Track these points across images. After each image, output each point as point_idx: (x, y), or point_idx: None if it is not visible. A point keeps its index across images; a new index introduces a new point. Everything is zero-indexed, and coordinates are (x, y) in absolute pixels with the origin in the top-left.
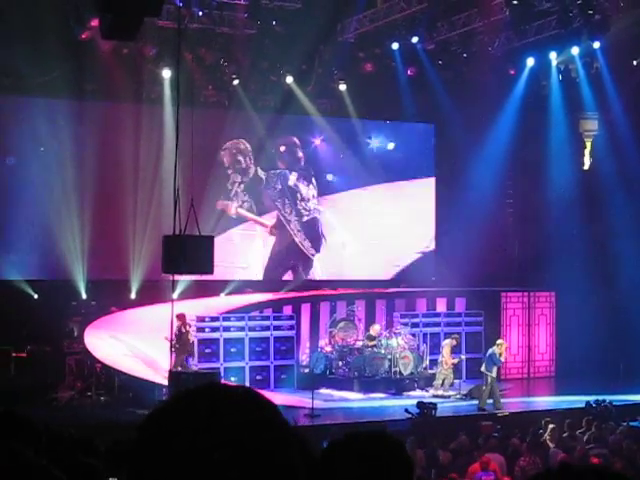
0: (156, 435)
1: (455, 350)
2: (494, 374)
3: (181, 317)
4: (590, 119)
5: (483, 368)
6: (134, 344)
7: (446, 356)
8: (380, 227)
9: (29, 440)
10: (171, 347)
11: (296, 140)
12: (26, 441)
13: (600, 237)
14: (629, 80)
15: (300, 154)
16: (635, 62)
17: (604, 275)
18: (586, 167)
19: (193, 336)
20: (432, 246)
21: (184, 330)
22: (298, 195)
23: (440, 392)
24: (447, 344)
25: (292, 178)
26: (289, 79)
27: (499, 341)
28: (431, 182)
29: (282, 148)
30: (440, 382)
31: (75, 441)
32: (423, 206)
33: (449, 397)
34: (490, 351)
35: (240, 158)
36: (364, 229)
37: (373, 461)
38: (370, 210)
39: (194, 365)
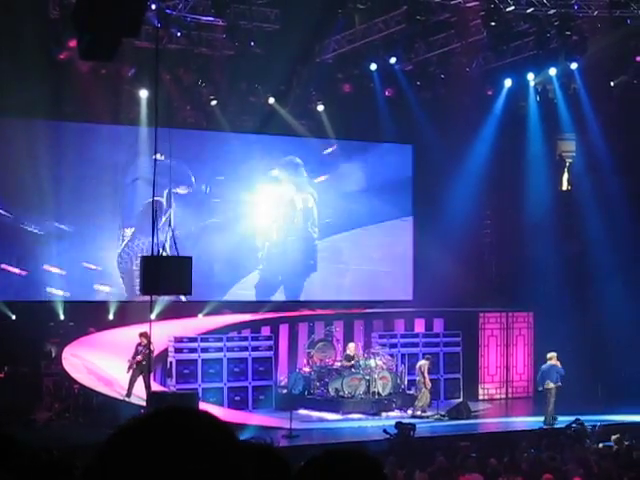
0: (112, 462)
1: (430, 371)
2: (558, 384)
3: (145, 335)
4: (568, 140)
5: (550, 384)
6: (112, 365)
7: (426, 377)
8: (358, 248)
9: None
10: (137, 367)
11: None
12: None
13: (578, 257)
14: (606, 101)
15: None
16: (612, 83)
17: (582, 295)
18: (564, 188)
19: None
20: (410, 267)
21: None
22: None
23: (419, 412)
24: (425, 365)
25: None
26: (271, 100)
27: (551, 354)
28: (408, 202)
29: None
30: (422, 403)
31: (54, 463)
32: (401, 227)
33: (428, 417)
34: (547, 366)
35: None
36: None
37: (350, 479)
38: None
39: (172, 386)
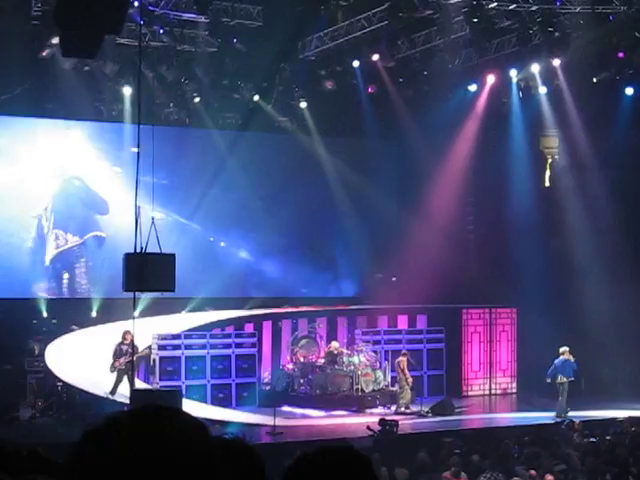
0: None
1: (409, 367)
2: (571, 378)
3: (129, 333)
4: (550, 136)
5: (562, 378)
6: (95, 362)
7: (406, 373)
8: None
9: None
10: (125, 368)
11: None
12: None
13: (561, 253)
14: (589, 97)
15: None
16: (595, 79)
17: (565, 291)
18: (547, 184)
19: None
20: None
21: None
22: None
23: (402, 409)
24: (402, 361)
25: None
26: (256, 97)
27: (564, 348)
28: (392, 199)
29: None
30: (405, 400)
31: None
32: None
33: (411, 414)
34: (560, 360)
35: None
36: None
37: (342, 475)
38: None
39: (155, 383)
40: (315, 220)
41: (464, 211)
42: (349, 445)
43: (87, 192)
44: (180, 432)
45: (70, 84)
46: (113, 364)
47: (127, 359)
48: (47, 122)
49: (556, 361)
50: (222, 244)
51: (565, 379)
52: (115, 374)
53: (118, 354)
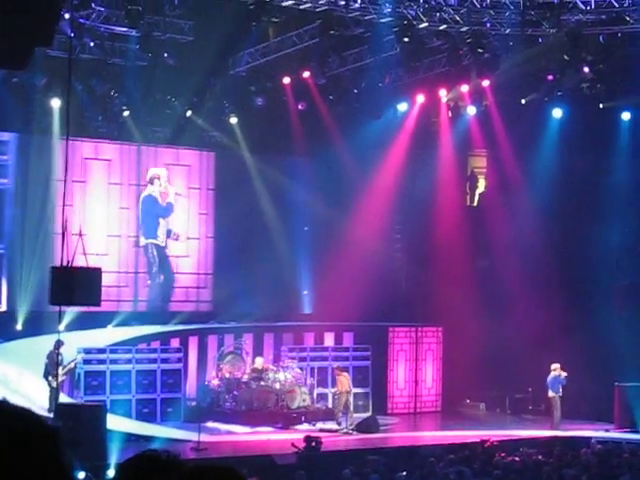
0: None
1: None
2: (560, 393)
3: (60, 346)
4: (479, 156)
5: (551, 394)
6: (21, 375)
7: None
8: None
9: None
10: (55, 376)
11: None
12: None
13: (487, 272)
14: (518, 118)
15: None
16: (524, 100)
17: (491, 310)
18: (474, 203)
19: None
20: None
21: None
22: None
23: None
24: (347, 377)
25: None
26: (189, 112)
27: (555, 365)
28: (319, 216)
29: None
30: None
31: None
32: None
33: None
34: (551, 377)
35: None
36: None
37: None
38: None
39: (80, 398)
40: (243, 235)
41: (392, 230)
42: (228, 465)
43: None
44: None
45: None
46: (53, 373)
47: (65, 370)
48: None
49: (548, 378)
50: (169, 254)
51: (553, 394)
52: (49, 388)
53: (55, 365)
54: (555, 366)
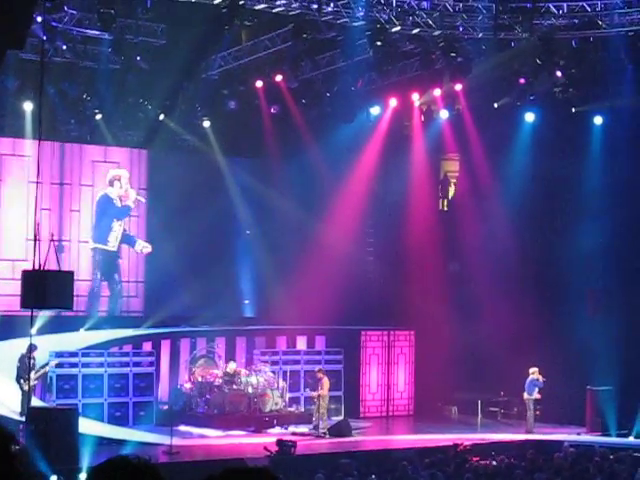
0: None
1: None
2: (534, 396)
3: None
4: (451, 160)
5: (526, 396)
6: None
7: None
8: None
9: None
10: (27, 380)
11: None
12: None
13: (458, 276)
14: (490, 122)
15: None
16: (496, 105)
17: (463, 314)
18: (446, 207)
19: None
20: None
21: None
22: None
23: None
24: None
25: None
26: (161, 116)
27: (533, 369)
28: (292, 219)
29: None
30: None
31: None
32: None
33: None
34: (528, 380)
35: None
36: None
37: None
38: None
39: (52, 401)
40: (216, 239)
41: (364, 233)
42: (259, 466)
43: None
44: None
45: None
46: (25, 377)
47: (37, 374)
48: None
49: (526, 381)
50: (120, 261)
51: (527, 396)
52: (21, 392)
53: (27, 368)
54: (533, 369)
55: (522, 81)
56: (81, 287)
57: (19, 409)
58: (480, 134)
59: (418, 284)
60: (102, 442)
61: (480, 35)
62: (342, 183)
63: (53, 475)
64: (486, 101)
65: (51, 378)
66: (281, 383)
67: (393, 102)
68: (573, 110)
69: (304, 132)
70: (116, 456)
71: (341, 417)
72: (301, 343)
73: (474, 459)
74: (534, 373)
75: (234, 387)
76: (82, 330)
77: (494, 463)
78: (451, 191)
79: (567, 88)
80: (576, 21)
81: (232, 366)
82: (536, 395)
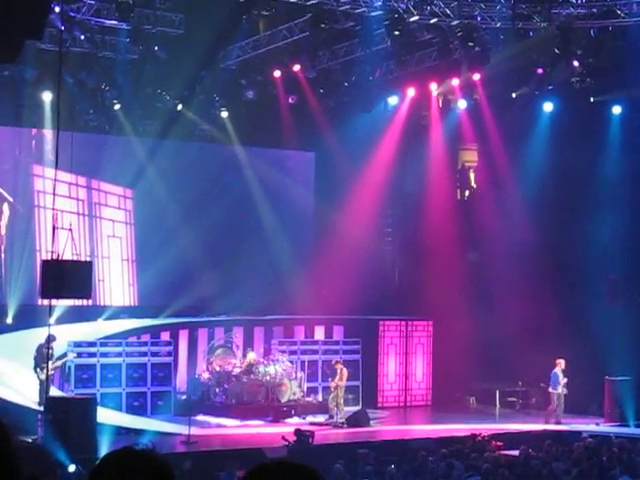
0: None
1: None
2: (559, 390)
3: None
4: (469, 150)
5: (551, 389)
6: (11, 369)
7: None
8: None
9: None
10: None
11: None
12: None
13: (477, 266)
14: (508, 112)
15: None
16: (514, 94)
17: (481, 304)
18: (465, 197)
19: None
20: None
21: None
22: None
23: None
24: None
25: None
26: (179, 106)
27: (558, 360)
28: (310, 210)
29: None
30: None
31: None
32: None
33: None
34: (553, 373)
35: None
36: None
37: None
38: None
39: (70, 391)
40: (235, 228)
41: (382, 223)
42: (297, 462)
43: None
44: None
45: None
46: (42, 367)
47: (55, 364)
48: None
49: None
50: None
51: (551, 390)
52: (38, 381)
53: (45, 359)
54: (558, 361)
55: (540, 71)
56: None
57: (37, 399)
58: (498, 124)
59: (436, 274)
60: (120, 432)
61: (498, 25)
62: (360, 173)
63: (71, 464)
64: (504, 91)
65: (69, 368)
66: (299, 373)
67: (411, 92)
68: (591, 100)
69: (322, 122)
70: (123, 447)
71: (359, 407)
72: (319, 333)
73: (495, 446)
74: (559, 364)
75: (252, 377)
76: (100, 320)
77: (513, 453)
78: (469, 181)
79: (585, 78)
80: (595, 10)
81: (252, 356)
82: (560, 390)
